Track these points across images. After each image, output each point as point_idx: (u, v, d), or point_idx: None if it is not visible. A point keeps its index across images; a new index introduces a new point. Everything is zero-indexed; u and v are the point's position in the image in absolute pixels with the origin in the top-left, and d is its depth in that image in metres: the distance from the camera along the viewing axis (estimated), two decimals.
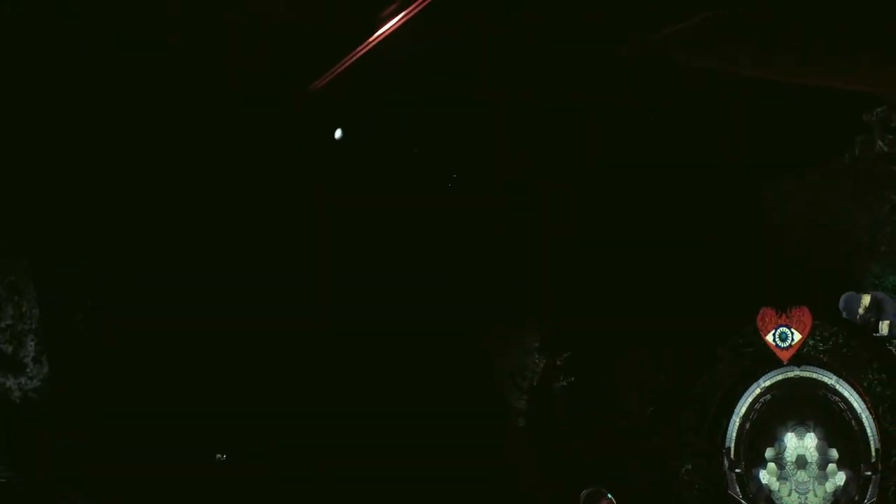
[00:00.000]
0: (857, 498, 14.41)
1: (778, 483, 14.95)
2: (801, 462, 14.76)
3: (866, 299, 16.13)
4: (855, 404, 14.35)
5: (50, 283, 19.57)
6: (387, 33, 19.21)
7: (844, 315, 15.97)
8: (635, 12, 18.97)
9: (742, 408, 15.33)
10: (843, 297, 16.15)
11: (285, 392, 20.11)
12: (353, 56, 19.66)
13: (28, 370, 18.99)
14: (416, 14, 18.80)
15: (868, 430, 14.20)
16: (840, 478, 14.48)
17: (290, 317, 20.22)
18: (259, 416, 19.92)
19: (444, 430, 19.67)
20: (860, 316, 15.93)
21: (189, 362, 19.79)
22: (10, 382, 18.93)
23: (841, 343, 14.39)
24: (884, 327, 15.94)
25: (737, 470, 15.22)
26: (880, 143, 16.84)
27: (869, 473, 14.17)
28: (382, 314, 20.32)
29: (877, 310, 16.14)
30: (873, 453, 14.20)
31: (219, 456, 20.12)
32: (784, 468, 14.91)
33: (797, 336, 14.66)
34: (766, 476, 15.07)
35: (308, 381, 20.21)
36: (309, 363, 20.33)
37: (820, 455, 14.63)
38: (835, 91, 18.84)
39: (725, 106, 19.39)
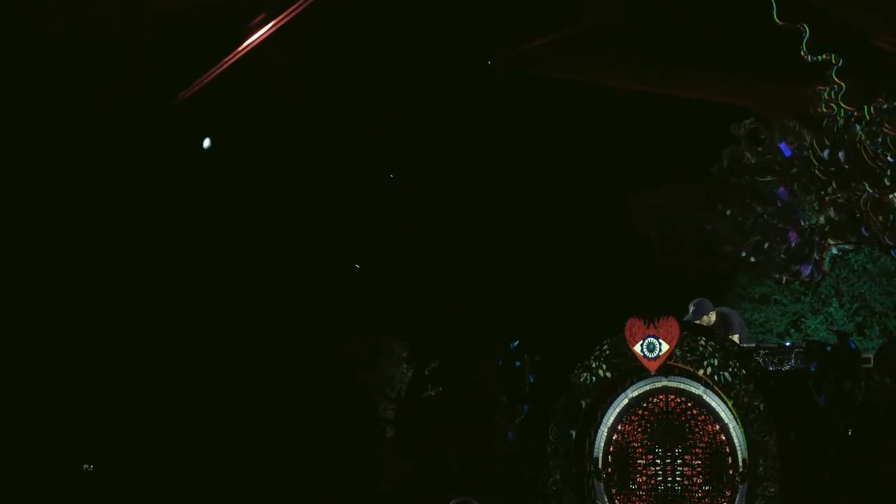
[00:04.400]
0: None
1: (646, 492, 14.47)
2: (671, 471, 14.29)
3: (713, 315, 16.05)
4: (722, 414, 13.96)
5: None
6: (255, 43, 18.72)
7: (690, 312, 15.85)
8: (503, 26, 18.70)
9: (610, 418, 14.88)
10: (693, 301, 16.02)
11: (152, 401, 19.48)
12: (220, 65, 19.13)
13: None
14: (284, 24, 18.34)
15: (735, 440, 13.79)
16: (707, 487, 14.04)
17: (161, 325, 19.62)
18: (129, 425, 19.33)
19: (312, 440, 19.25)
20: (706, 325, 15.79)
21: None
22: None
23: (708, 354, 13.90)
24: (735, 340, 15.78)
25: (604, 479, 14.70)
26: (748, 155, 16.59)
27: (737, 482, 13.67)
28: (251, 324, 19.77)
29: (723, 325, 16.06)
30: (741, 463, 13.72)
31: (86, 466, 19.57)
32: (654, 477, 14.44)
33: (665, 346, 14.26)
34: (633, 485, 14.59)
35: (176, 392, 19.58)
36: (178, 373, 19.67)
37: (688, 465, 14.18)
38: (703, 103, 18.70)
39: (591, 118, 19.17)
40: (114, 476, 19.57)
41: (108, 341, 19.40)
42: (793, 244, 16.76)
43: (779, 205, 17.03)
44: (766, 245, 16.87)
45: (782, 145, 16.89)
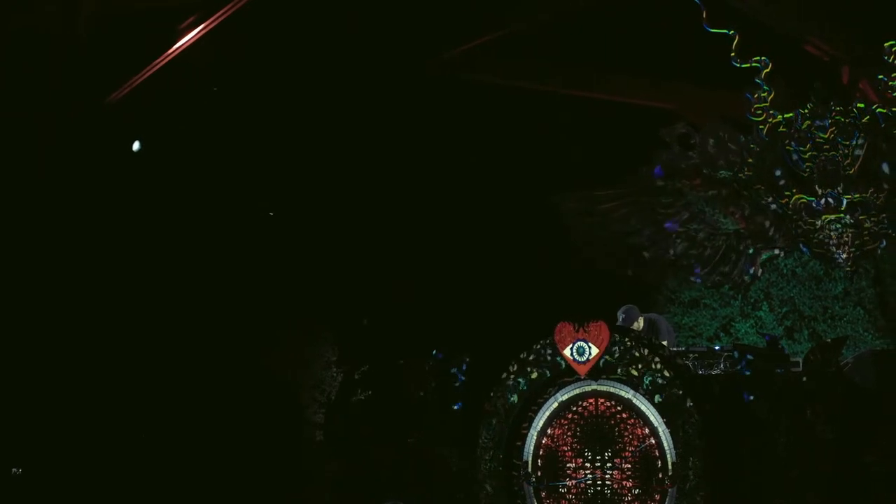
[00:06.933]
0: None
1: (576, 495, 14.31)
2: (601, 475, 14.14)
3: (641, 321, 16.01)
4: (651, 417, 13.87)
5: None
6: (185, 45, 18.53)
7: (620, 320, 15.82)
8: (433, 30, 18.57)
9: (539, 421, 14.74)
10: (622, 309, 15.97)
11: (80, 407, 19.15)
12: (150, 68, 18.92)
13: None
14: (214, 26, 18.15)
15: (665, 443, 13.67)
16: (637, 491, 13.91)
17: (88, 330, 19.30)
18: (59, 431, 18.98)
19: (242, 443, 19.00)
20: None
21: None
22: None
23: (638, 357, 13.77)
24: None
25: (534, 483, 14.53)
26: (676, 158, 16.46)
27: (666, 485, 13.55)
28: (179, 325, 19.49)
29: (652, 331, 16.03)
30: (670, 466, 13.62)
31: (14, 470, 19.24)
32: (583, 481, 14.29)
33: (594, 350, 14.12)
34: (563, 489, 14.43)
35: (105, 396, 19.24)
36: (106, 377, 19.33)
37: (617, 469, 14.05)
38: (633, 107, 18.62)
39: (520, 122, 19.10)
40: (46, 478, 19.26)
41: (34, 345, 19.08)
42: (720, 248, 16.64)
43: (706, 209, 16.92)
44: (695, 247, 16.76)
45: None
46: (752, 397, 13.67)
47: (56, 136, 19.21)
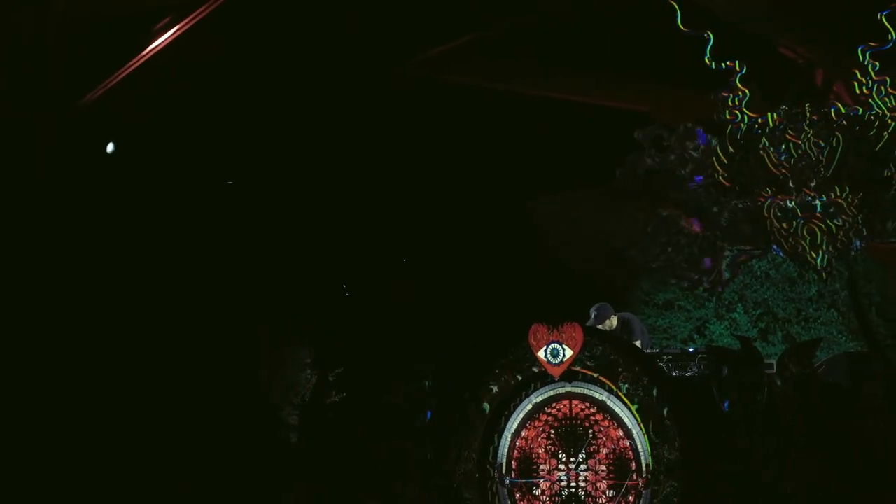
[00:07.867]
0: None
1: (550, 497, 14.26)
2: (575, 476, 14.09)
3: (614, 320, 16.12)
4: (626, 420, 13.80)
5: None
6: (160, 47, 18.40)
7: (592, 317, 15.94)
8: (407, 32, 18.50)
9: (513, 424, 14.72)
10: (594, 306, 16.14)
11: (53, 405, 18.96)
12: (125, 69, 18.77)
13: None
14: (189, 28, 18.05)
15: (639, 445, 13.68)
16: (611, 492, 13.86)
17: (58, 331, 19.10)
18: (30, 434, 18.78)
19: (216, 445, 18.87)
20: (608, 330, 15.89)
21: None
22: None
23: (612, 359, 13.73)
24: (638, 346, 15.80)
25: (508, 484, 14.47)
26: (650, 160, 16.35)
27: (640, 486, 13.54)
28: (153, 325, 19.33)
29: (625, 330, 16.09)
30: (644, 468, 13.63)
31: None
32: (558, 483, 14.23)
33: (568, 352, 14.07)
34: (537, 491, 14.37)
35: (77, 396, 19.06)
36: (81, 378, 19.15)
37: (592, 470, 13.99)
38: (606, 109, 18.56)
39: (495, 123, 19.04)
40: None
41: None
42: (695, 250, 16.54)
43: (682, 211, 16.83)
44: (669, 250, 16.65)
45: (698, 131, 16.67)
46: (726, 399, 13.62)
47: (29, 137, 19.04)
